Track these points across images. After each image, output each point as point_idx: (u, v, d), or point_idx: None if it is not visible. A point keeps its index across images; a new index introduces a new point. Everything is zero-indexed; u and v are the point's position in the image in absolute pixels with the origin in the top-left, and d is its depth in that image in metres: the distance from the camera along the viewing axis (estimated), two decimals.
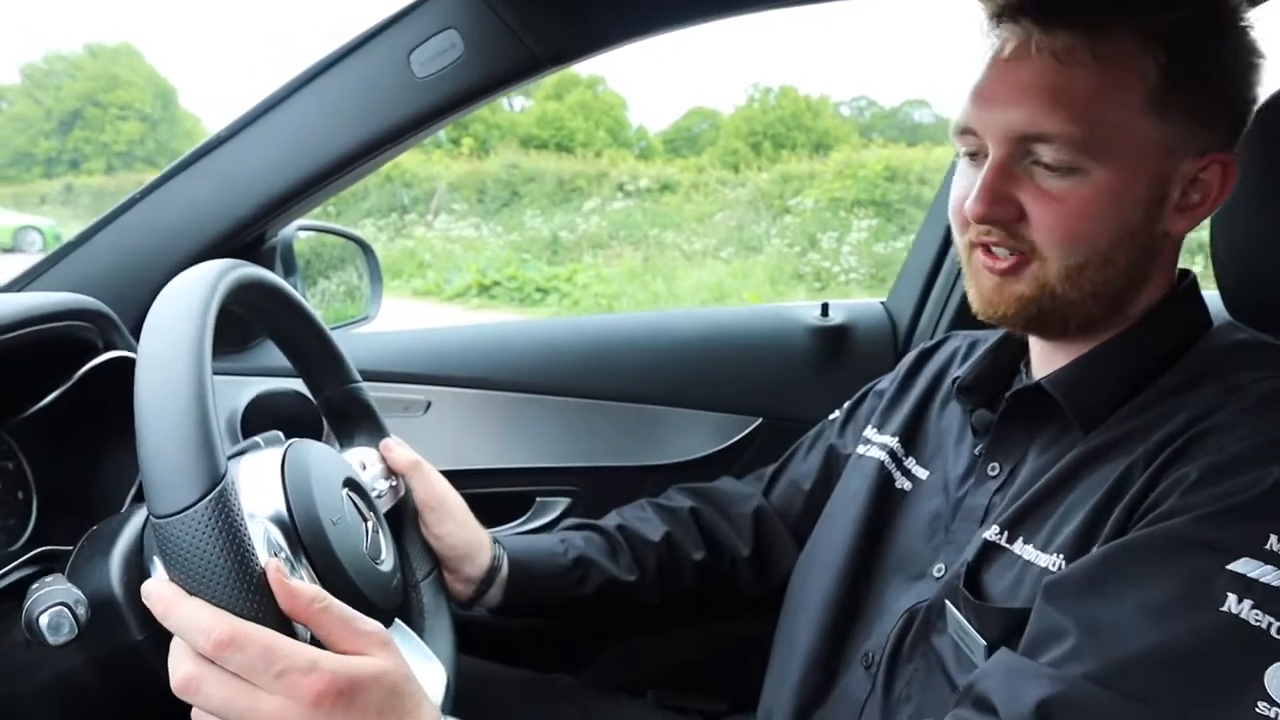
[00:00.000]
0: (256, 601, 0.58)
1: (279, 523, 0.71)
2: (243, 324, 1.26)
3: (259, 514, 0.71)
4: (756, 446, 1.36)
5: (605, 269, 10.24)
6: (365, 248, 1.54)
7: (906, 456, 0.97)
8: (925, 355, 1.08)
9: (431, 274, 10.23)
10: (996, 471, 0.86)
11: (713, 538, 1.12)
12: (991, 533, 0.79)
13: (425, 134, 1.09)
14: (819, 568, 0.97)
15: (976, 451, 0.89)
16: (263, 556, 0.62)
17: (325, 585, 0.71)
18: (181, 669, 0.57)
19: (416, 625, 0.93)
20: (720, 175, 12.85)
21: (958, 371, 0.98)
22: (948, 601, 0.79)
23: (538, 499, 1.34)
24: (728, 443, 1.36)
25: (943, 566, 0.84)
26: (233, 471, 0.72)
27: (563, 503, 1.34)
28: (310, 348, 0.93)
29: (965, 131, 0.80)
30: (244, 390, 1.25)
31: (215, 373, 1.20)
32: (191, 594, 0.57)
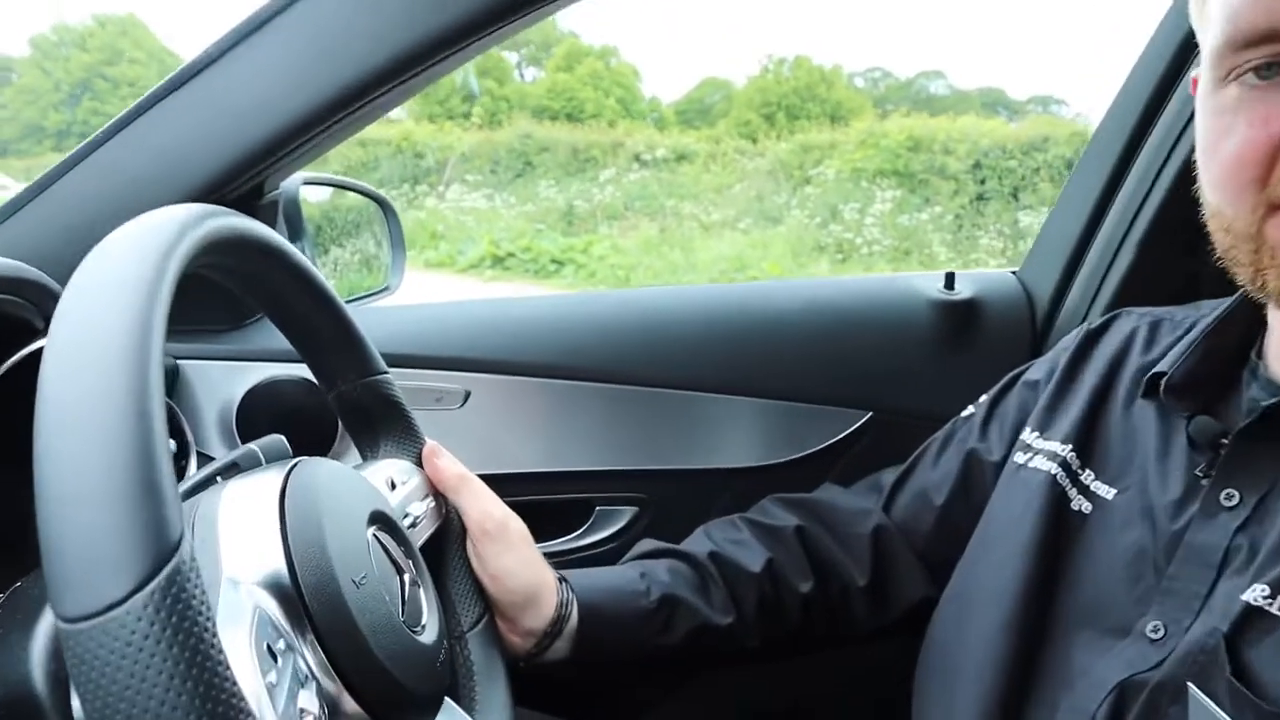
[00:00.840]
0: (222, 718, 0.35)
1: (275, 589, 0.49)
2: (233, 293, 1.04)
3: (244, 579, 0.48)
4: (863, 447, 1.13)
5: (621, 240, 10.04)
6: (385, 206, 1.32)
7: (1083, 470, 0.77)
8: (1092, 339, 0.87)
9: (445, 246, 10.07)
10: (1235, 502, 0.66)
11: (821, 564, 0.91)
12: (1256, 594, 0.59)
13: (452, 59, 0.85)
14: (978, 610, 0.77)
15: (1198, 473, 0.69)
16: (248, 672, 0.40)
17: (347, 679, 0.48)
18: None
19: (464, 695, 0.71)
20: (738, 145, 12.66)
21: (1140, 360, 0.79)
22: (1192, 685, 0.59)
23: (598, 508, 1.12)
24: (828, 442, 1.12)
25: (1160, 626, 0.64)
26: (208, 519, 0.50)
27: (628, 512, 1.12)
28: (320, 328, 0.71)
29: (1255, 42, 0.57)
30: (240, 378, 1.03)
31: (205, 356, 0.98)
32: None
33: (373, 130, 11.97)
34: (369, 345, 0.76)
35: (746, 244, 9.65)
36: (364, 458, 0.78)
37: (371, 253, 1.40)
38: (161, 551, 0.35)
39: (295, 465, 0.57)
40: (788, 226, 10.11)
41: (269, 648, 0.44)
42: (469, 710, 0.69)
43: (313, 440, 0.62)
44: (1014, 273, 1.22)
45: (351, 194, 1.36)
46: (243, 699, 0.35)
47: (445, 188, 11.79)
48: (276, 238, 0.61)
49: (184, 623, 0.34)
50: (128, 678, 0.33)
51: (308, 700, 0.44)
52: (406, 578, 0.60)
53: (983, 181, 9.96)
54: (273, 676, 0.42)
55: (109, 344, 0.39)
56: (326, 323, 0.71)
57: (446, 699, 0.65)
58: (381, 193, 1.33)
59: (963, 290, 1.14)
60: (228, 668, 0.35)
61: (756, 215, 10.57)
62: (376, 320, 1.09)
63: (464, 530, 0.79)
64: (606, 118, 14.96)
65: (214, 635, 0.35)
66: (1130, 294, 1.06)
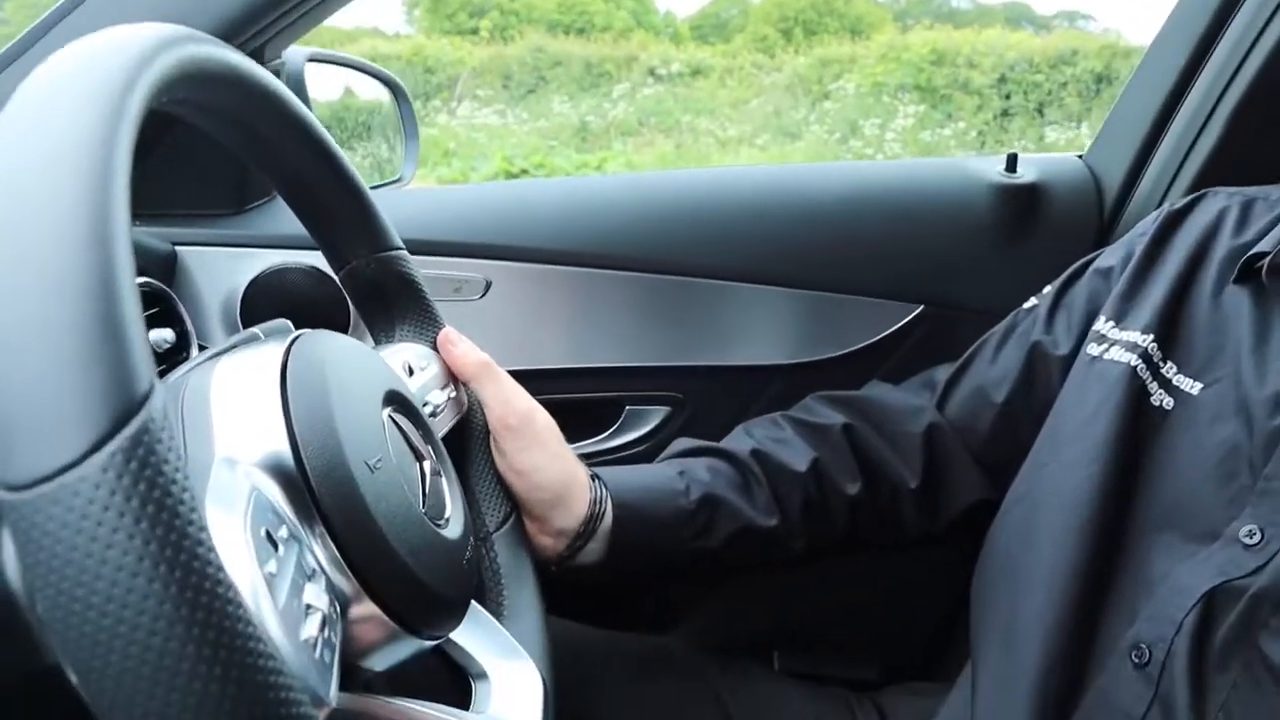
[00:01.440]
0: (204, 607, 0.28)
1: (277, 472, 0.41)
2: (235, 170, 0.95)
3: (242, 459, 0.41)
4: (914, 343, 1.04)
5: (636, 157, 9.88)
6: (396, 90, 1.24)
7: (1164, 362, 0.71)
8: (1174, 220, 0.79)
9: (457, 162, 9.92)
10: None
11: (870, 465, 0.85)
12: None
13: None
14: (1048, 514, 0.71)
15: None
16: (243, 559, 0.33)
17: (362, 574, 0.42)
18: None
19: (490, 600, 0.64)
20: (755, 60, 12.39)
21: (1232, 242, 0.72)
22: None
23: (628, 407, 1.04)
24: (876, 337, 1.04)
25: (1256, 530, 0.59)
26: (199, 393, 0.43)
27: (661, 412, 1.04)
28: (328, 196, 0.63)
29: None
30: (244, 265, 0.96)
31: (205, 242, 0.90)
32: (67, 648, 0.27)
33: (382, 45, 11.76)
34: (383, 218, 0.68)
35: (764, 160, 9.49)
36: (378, 343, 0.71)
37: (384, 157, 1.31)
38: (125, 405, 0.27)
39: (299, 337, 0.50)
40: (806, 142, 9.95)
41: (268, 534, 0.37)
42: (496, 615, 0.63)
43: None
44: (1080, 156, 1.12)
45: (362, 97, 1.28)
46: (230, 586, 0.28)
47: (457, 104, 11.60)
48: (270, 78, 0.53)
49: (153, 491, 0.27)
50: (84, 557, 0.26)
51: (315, 596, 0.38)
52: (427, 465, 0.52)
53: (1008, 96, 9.75)
54: (272, 566, 0.35)
55: (63, 156, 0.32)
56: (335, 191, 0.63)
57: (478, 607, 0.59)
58: (392, 75, 1.24)
59: (1025, 174, 1.05)
60: (211, 549, 0.28)
61: (774, 131, 10.39)
62: (390, 204, 1.00)
63: (486, 426, 0.72)
64: (619, 28, 14.71)
65: (193, 509, 0.28)
66: (1214, 176, 0.96)
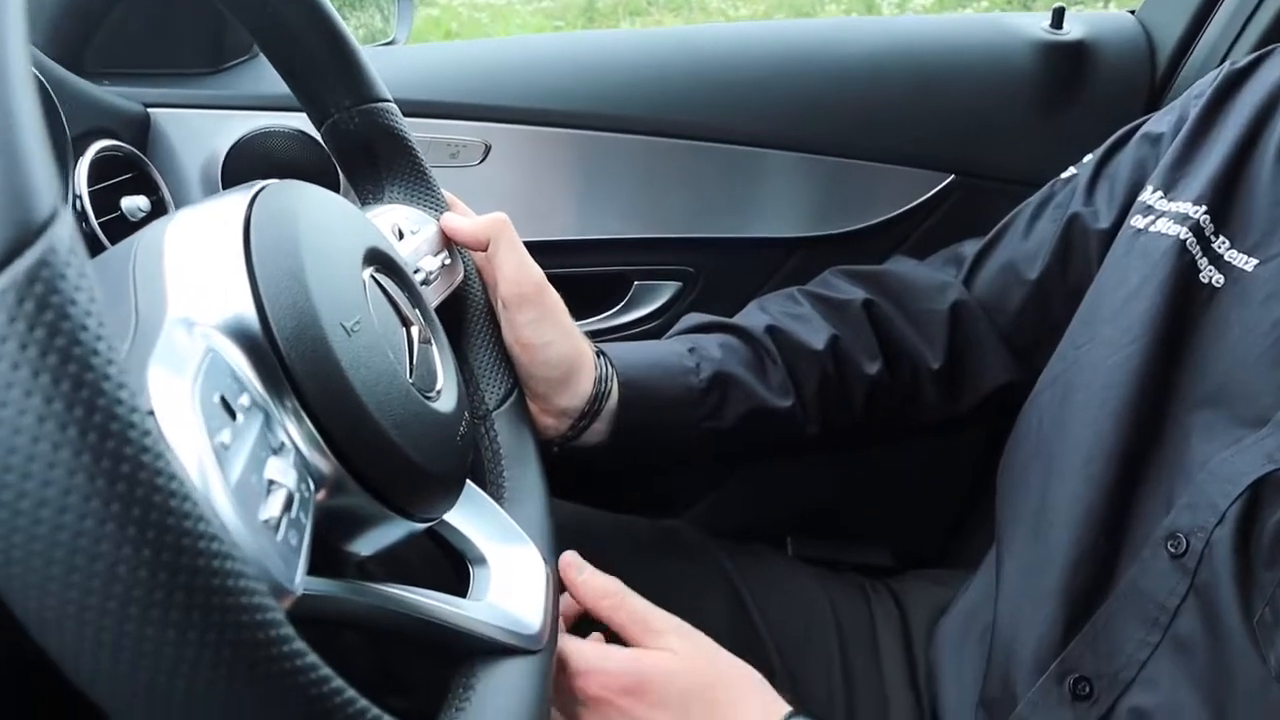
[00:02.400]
0: (125, 477, 0.23)
1: (241, 336, 0.36)
2: (211, 24, 0.89)
3: (200, 320, 0.36)
4: (943, 214, 0.98)
5: None
6: None
7: (1217, 236, 0.65)
8: (1235, 81, 0.72)
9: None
10: None
11: (891, 343, 0.81)
12: None
13: None
14: (1084, 395, 0.67)
15: None
16: (189, 427, 0.28)
17: (339, 448, 0.37)
18: None
19: (490, 481, 0.61)
20: None
21: None
22: None
23: (637, 282, 0.99)
24: (902, 209, 0.98)
25: None
26: (151, 248, 0.38)
27: (671, 288, 0.99)
28: (307, 40, 0.57)
29: None
30: (225, 129, 0.90)
31: (182, 104, 0.84)
32: None
33: None
34: (368, 68, 0.63)
35: None
36: (365, 204, 0.66)
37: (378, 27, 1.27)
38: (17, 233, 0.22)
39: (265, 187, 0.44)
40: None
41: (224, 400, 0.32)
42: (496, 498, 0.59)
43: None
44: (1133, 12, 1.04)
45: None
46: (160, 454, 0.23)
47: None
48: None
49: (55, 337, 0.21)
50: None
51: (280, 471, 0.33)
52: (415, 331, 0.47)
53: None
54: (226, 436, 0.30)
55: None
56: (315, 35, 0.58)
57: (475, 487, 0.55)
58: None
59: (1072, 30, 0.97)
60: (134, 409, 0.23)
61: (788, 10, 10.07)
62: (381, 63, 0.94)
63: (486, 293, 0.67)
64: None
65: (110, 361, 0.23)
66: None
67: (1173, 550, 0.57)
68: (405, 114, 0.66)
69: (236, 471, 0.30)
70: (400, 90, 0.88)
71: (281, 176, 0.65)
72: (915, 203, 0.98)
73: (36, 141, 0.24)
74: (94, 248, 0.69)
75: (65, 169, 0.70)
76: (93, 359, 0.22)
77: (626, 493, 0.97)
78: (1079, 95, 0.98)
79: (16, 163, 0.23)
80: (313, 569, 0.35)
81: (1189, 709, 0.54)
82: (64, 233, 0.23)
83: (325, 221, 0.44)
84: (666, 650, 0.56)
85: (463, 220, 0.66)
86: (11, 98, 0.24)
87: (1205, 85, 0.74)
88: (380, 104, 0.63)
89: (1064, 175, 0.82)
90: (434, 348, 0.50)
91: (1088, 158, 0.81)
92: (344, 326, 0.40)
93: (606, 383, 0.69)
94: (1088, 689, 0.59)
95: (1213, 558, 0.55)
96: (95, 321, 0.23)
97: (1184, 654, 0.55)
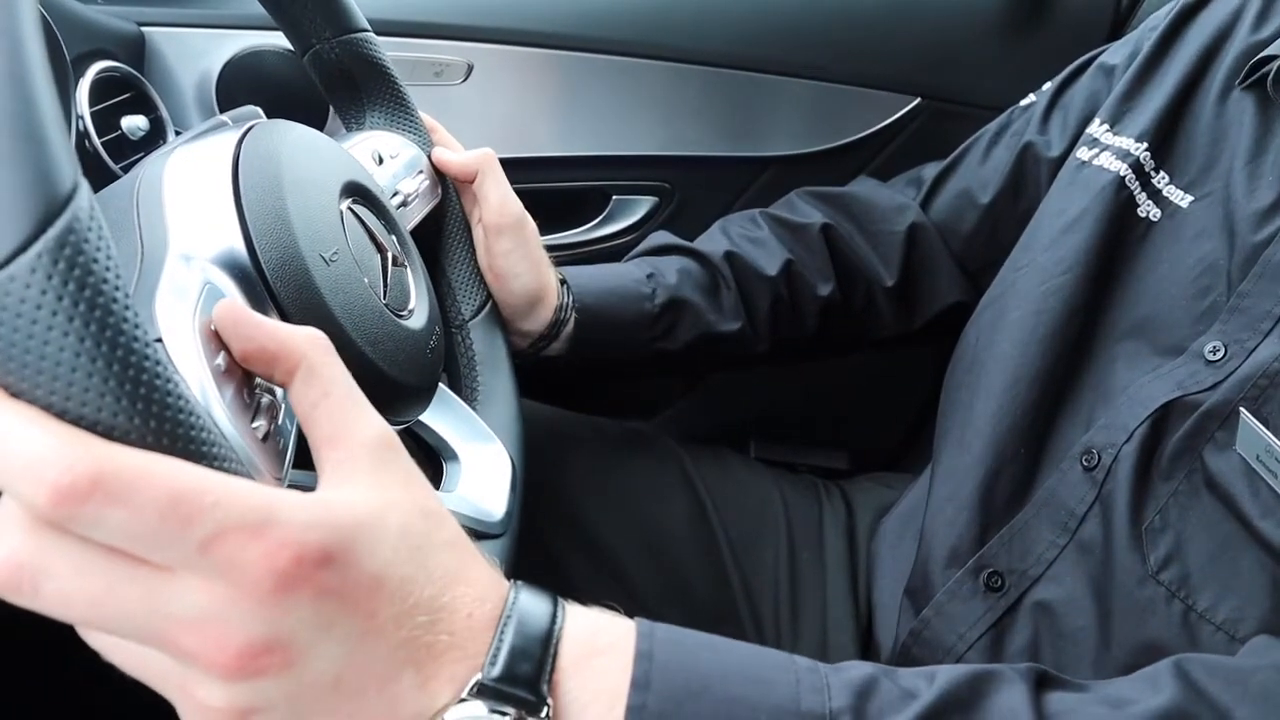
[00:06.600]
0: (144, 398, 0.29)
1: (232, 267, 0.42)
2: None
3: (198, 254, 0.41)
4: (908, 136, 1.02)
5: None
6: None
7: (1157, 172, 0.67)
8: (1190, 12, 0.73)
9: None
10: None
11: (847, 264, 0.85)
12: None
13: None
14: (1016, 318, 0.70)
15: None
16: (190, 354, 0.34)
17: None
18: (3, 547, 0.29)
19: (465, 385, 0.67)
20: None
21: (1249, 39, 0.66)
22: (1245, 411, 0.53)
23: (615, 197, 1.03)
24: (869, 130, 1.01)
25: (1220, 346, 0.57)
26: (152, 186, 0.43)
27: (648, 203, 1.03)
28: None
29: None
30: (219, 47, 0.92)
31: (176, 22, 0.87)
32: (16, 395, 0.28)
33: None
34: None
35: None
36: (349, 129, 0.70)
37: None
38: (48, 206, 0.27)
39: (252, 128, 0.49)
40: None
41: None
42: (470, 401, 0.65)
43: (301, 119, 0.54)
44: None
45: None
46: (170, 378, 0.29)
47: None
48: None
49: (84, 290, 0.27)
50: (23, 353, 0.27)
51: (266, 386, 0.39)
52: (389, 255, 0.53)
53: None
54: (221, 360, 0.36)
55: None
56: None
57: (443, 388, 0.61)
58: None
59: None
60: (148, 344, 0.29)
61: None
62: None
63: (464, 214, 0.72)
64: None
65: (127, 306, 0.28)
66: None
67: (1086, 464, 0.61)
68: (391, 33, 0.69)
69: (230, 390, 0.36)
70: (387, 10, 0.91)
71: (275, 95, 0.69)
72: (883, 124, 1.01)
73: (56, 124, 0.29)
74: (98, 168, 0.73)
75: (66, 92, 0.72)
76: (113, 305, 0.28)
77: (600, 398, 1.03)
78: (1045, 22, 0.99)
79: (42, 146, 0.28)
80: (299, 465, 0.41)
81: (1083, 602, 0.59)
82: (84, 202, 0.28)
83: (305, 159, 0.50)
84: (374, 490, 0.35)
85: (452, 155, 0.70)
86: (33, 87, 0.29)
87: (1160, 17, 0.74)
88: (359, 34, 0.67)
89: (1023, 103, 0.84)
90: (408, 270, 0.55)
91: (1047, 85, 0.82)
92: (323, 257, 0.46)
93: (566, 311, 0.74)
94: (999, 582, 0.64)
95: (1118, 471, 0.59)
96: (114, 275, 0.28)
97: (1085, 555, 0.60)
